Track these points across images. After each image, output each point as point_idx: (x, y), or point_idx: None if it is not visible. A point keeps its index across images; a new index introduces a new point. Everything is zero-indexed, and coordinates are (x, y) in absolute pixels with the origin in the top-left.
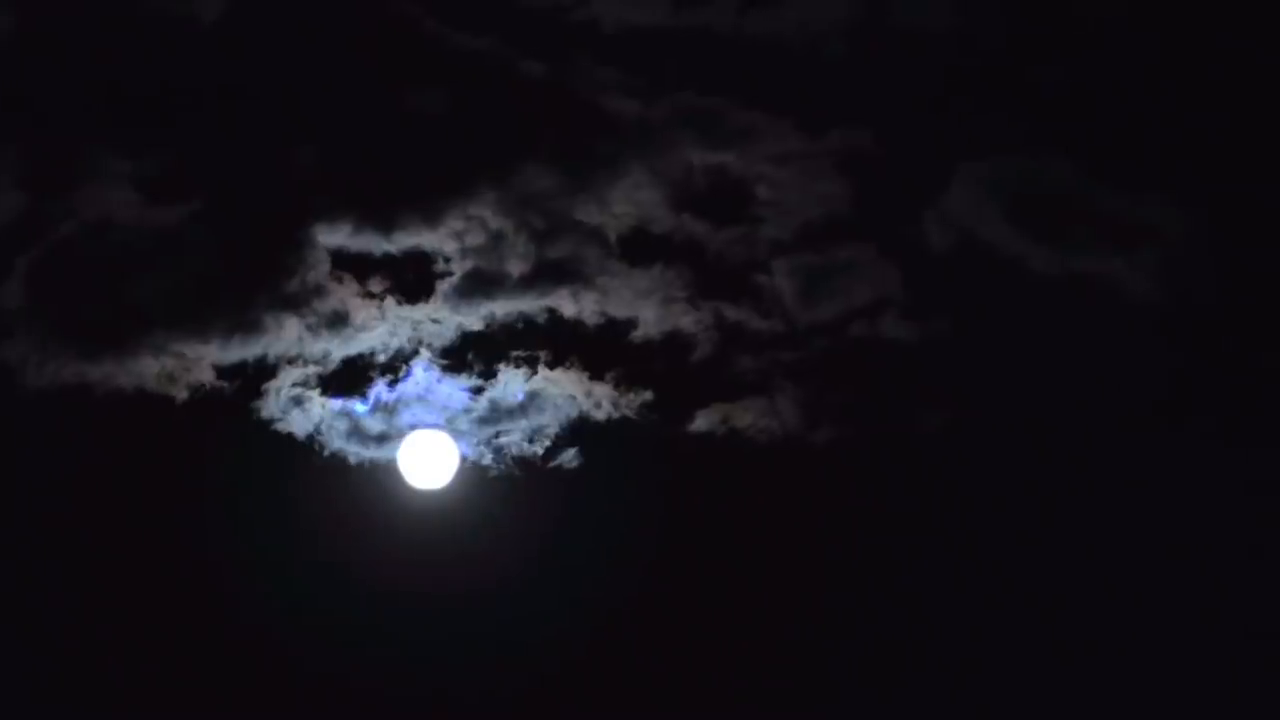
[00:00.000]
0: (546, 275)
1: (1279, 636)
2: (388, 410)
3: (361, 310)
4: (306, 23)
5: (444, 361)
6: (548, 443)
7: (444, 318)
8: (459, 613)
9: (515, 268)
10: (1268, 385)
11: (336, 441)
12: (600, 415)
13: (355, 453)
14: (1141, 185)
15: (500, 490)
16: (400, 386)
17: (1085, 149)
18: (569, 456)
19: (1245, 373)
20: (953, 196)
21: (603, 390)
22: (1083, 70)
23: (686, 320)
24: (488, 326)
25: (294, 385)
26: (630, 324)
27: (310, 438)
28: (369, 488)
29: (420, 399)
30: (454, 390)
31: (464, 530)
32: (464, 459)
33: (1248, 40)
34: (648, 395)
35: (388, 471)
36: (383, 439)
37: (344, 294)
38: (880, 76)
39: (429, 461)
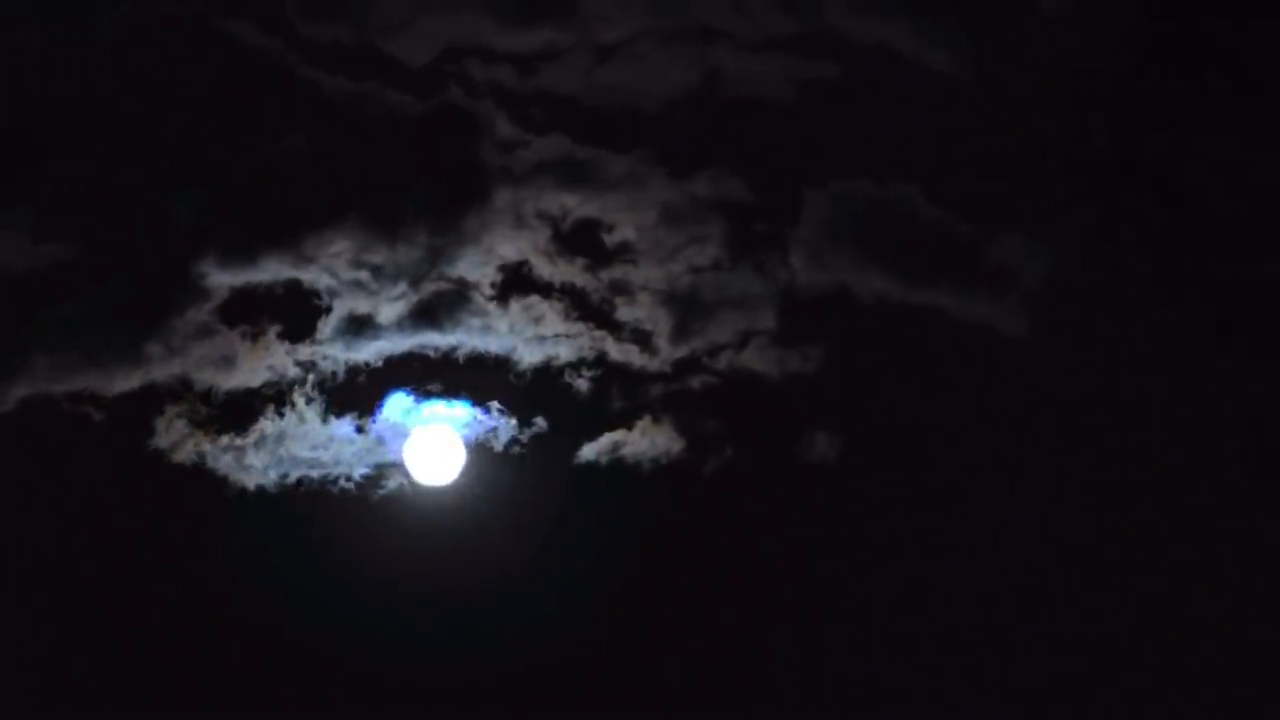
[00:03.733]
0: (426, 313)
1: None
2: (273, 445)
3: (246, 347)
4: (187, 69)
5: (327, 398)
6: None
7: (329, 354)
8: (472, 608)
9: (397, 306)
10: (1137, 407)
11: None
12: (498, 446)
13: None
14: (1003, 223)
15: (506, 483)
16: (284, 422)
17: (942, 184)
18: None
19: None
20: (816, 232)
21: (492, 421)
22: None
23: (565, 354)
24: (372, 362)
25: (178, 420)
26: (510, 360)
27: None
28: (375, 488)
29: (305, 435)
30: (340, 425)
31: (473, 524)
32: (470, 453)
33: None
34: (540, 425)
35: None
36: (266, 474)
37: (229, 332)
38: (731, 128)
39: (435, 458)
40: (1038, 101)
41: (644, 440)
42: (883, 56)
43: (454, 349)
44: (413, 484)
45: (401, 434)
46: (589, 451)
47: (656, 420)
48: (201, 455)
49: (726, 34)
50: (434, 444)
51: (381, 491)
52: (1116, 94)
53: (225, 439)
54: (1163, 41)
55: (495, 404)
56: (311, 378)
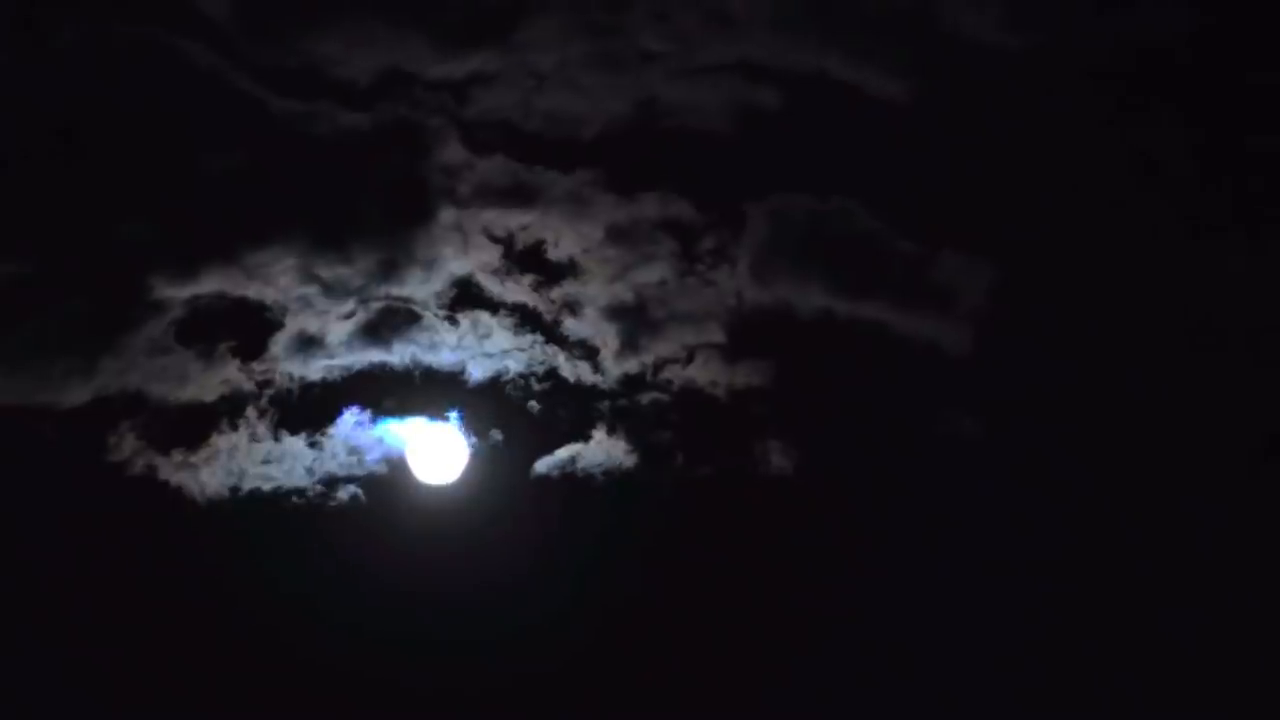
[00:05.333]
0: (376, 330)
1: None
2: (225, 459)
3: (199, 365)
4: (139, 88)
5: (280, 413)
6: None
7: (282, 370)
8: (477, 606)
9: (347, 324)
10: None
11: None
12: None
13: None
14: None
15: (509, 482)
16: (237, 437)
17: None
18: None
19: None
20: (760, 250)
21: (449, 437)
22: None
23: (516, 369)
24: (324, 378)
25: (133, 433)
26: (461, 376)
27: None
28: (379, 491)
29: (258, 450)
30: (293, 440)
31: (475, 523)
32: (472, 453)
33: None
34: (496, 439)
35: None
36: (218, 487)
37: (182, 350)
38: (671, 149)
39: (438, 457)
40: (976, 121)
41: (600, 452)
42: (820, 81)
43: (404, 364)
44: (368, 497)
45: (355, 448)
46: (544, 465)
47: (611, 432)
48: (153, 469)
49: (662, 58)
50: (433, 447)
51: (334, 504)
52: (1055, 111)
53: (178, 454)
54: (1101, 57)
55: (451, 417)
56: (265, 394)
